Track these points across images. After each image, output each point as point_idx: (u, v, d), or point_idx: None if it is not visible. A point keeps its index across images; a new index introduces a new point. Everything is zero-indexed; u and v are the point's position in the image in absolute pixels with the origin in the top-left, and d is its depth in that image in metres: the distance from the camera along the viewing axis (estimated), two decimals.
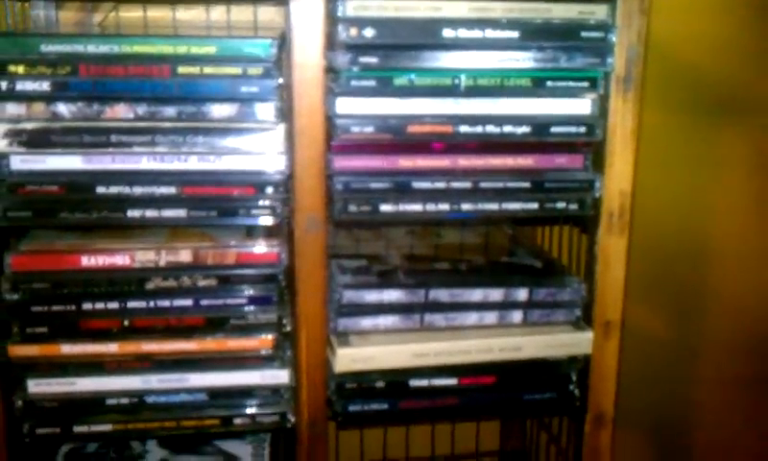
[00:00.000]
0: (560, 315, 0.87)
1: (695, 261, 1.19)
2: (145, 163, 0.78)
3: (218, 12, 1.01)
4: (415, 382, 0.85)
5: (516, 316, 0.86)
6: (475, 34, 0.77)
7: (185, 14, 1.02)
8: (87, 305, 0.80)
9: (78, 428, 0.82)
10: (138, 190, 0.78)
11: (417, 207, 0.81)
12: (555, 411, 0.97)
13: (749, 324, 1.24)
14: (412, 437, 1.19)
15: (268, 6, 1.01)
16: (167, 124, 0.77)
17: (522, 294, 0.86)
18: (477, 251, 0.99)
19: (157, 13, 1.01)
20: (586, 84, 0.81)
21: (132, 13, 1.01)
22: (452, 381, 0.86)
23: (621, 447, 0.95)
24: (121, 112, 0.77)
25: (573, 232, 0.94)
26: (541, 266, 0.93)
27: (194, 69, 0.76)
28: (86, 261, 0.80)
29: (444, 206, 0.82)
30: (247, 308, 0.83)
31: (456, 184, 0.81)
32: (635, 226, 0.85)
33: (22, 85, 0.75)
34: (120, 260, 0.80)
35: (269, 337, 0.83)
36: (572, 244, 0.94)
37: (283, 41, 0.79)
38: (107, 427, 0.83)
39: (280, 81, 0.77)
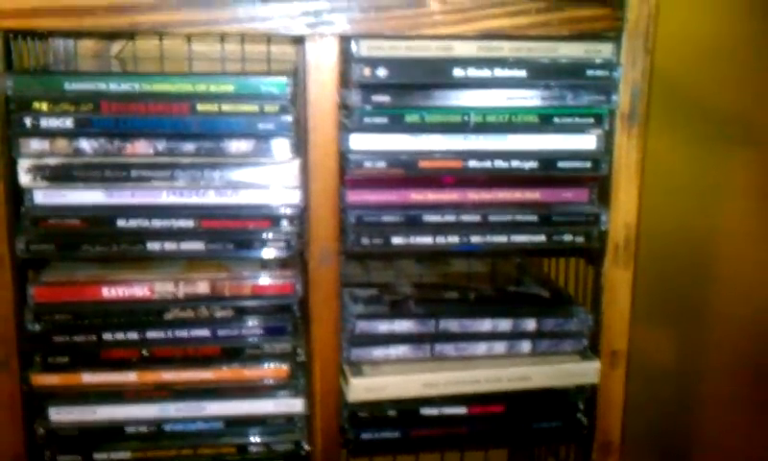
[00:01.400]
0: (567, 345, 0.89)
1: (700, 286, 1.20)
2: (164, 198, 0.81)
3: (232, 44, 1.04)
4: (426, 411, 0.87)
5: (525, 346, 0.88)
6: (484, 73, 0.80)
7: (200, 46, 1.05)
8: (108, 336, 0.82)
9: (98, 456, 0.84)
10: (158, 224, 0.81)
11: (427, 240, 0.84)
12: (563, 439, 0.98)
13: (754, 348, 1.25)
14: (421, 459, 1.20)
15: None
16: (186, 159, 0.80)
17: (531, 324, 0.88)
18: (485, 279, 1.01)
19: (173, 44, 1.04)
20: (591, 120, 0.83)
21: (148, 44, 1.04)
22: (462, 410, 0.88)
23: None
24: (141, 148, 0.79)
25: (579, 263, 0.96)
26: (549, 296, 0.95)
27: (212, 107, 0.79)
28: (107, 293, 0.82)
29: (454, 239, 0.84)
30: (262, 338, 0.85)
31: (465, 217, 0.83)
32: (640, 252, 0.87)
33: (46, 122, 0.78)
34: (139, 292, 0.82)
35: (283, 367, 0.85)
36: (578, 274, 0.96)
37: (296, 76, 0.82)
38: (126, 455, 0.85)
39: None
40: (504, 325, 0.88)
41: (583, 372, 0.88)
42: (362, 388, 0.84)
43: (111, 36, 1.02)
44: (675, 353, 1.22)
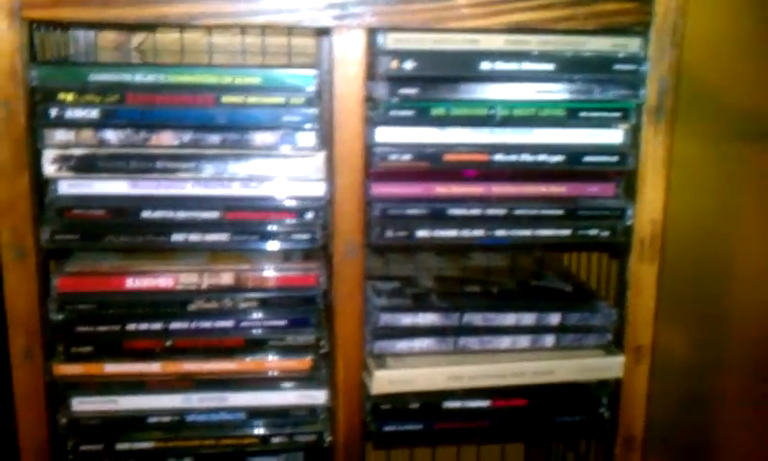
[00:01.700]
0: (591, 339, 0.89)
1: (723, 284, 1.20)
2: (189, 189, 0.80)
3: (251, 37, 1.04)
4: (448, 404, 0.87)
5: (549, 340, 0.88)
6: (511, 66, 0.79)
7: (220, 39, 1.05)
8: (131, 326, 0.82)
9: (120, 446, 0.84)
10: (182, 215, 0.80)
11: (452, 233, 0.83)
12: (585, 434, 0.98)
13: None
14: (437, 453, 1.20)
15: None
16: (211, 151, 0.80)
17: (555, 318, 0.88)
18: (504, 273, 1.01)
19: (192, 36, 1.04)
20: (618, 114, 0.83)
21: (167, 37, 1.04)
22: (485, 403, 0.88)
23: None
24: (166, 139, 0.79)
25: (601, 257, 0.96)
26: (571, 290, 0.94)
27: (238, 98, 0.79)
28: (131, 283, 0.82)
29: (479, 233, 0.83)
30: (285, 330, 0.84)
31: (491, 211, 0.83)
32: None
33: (71, 113, 0.78)
34: (164, 282, 0.82)
35: (306, 358, 0.85)
36: (601, 268, 0.96)
37: (318, 68, 0.81)
38: (148, 445, 0.85)
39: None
40: (528, 318, 0.87)
41: (607, 366, 0.87)
42: (386, 380, 0.83)
43: (132, 28, 1.01)
44: (697, 349, 1.21)
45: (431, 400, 0.87)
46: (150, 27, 1.00)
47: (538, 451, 1.22)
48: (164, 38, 1.04)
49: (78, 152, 0.79)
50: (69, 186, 0.80)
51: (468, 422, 0.88)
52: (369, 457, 1.17)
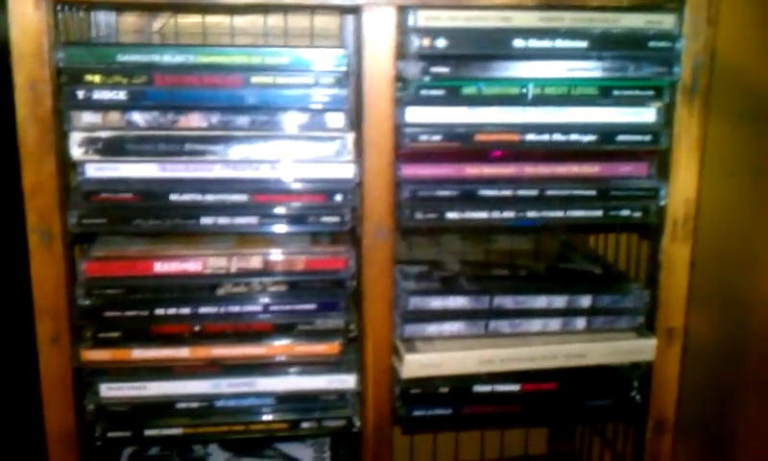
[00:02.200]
0: (623, 322, 0.88)
1: (754, 269, 1.17)
2: (218, 171, 0.79)
3: (272, 19, 1.03)
4: (478, 388, 0.86)
5: (580, 323, 0.87)
6: (544, 43, 0.78)
7: (242, 21, 1.03)
8: (159, 311, 0.82)
9: (148, 432, 0.84)
10: (211, 198, 0.79)
11: (482, 215, 0.82)
12: (616, 417, 0.97)
13: None
14: (461, 439, 1.19)
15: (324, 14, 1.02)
16: (240, 133, 0.79)
17: (586, 301, 0.87)
18: (530, 256, 1.00)
19: (215, 20, 1.03)
20: (651, 92, 0.81)
21: (190, 20, 1.02)
22: (515, 387, 0.87)
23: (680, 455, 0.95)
24: (195, 121, 0.78)
25: (631, 238, 0.95)
26: (601, 272, 0.93)
27: (267, 79, 0.78)
28: (159, 267, 0.81)
29: (510, 214, 0.82)
30: (314, 314, 0.84)
31: (522, 192, 0.82)
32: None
33: (98, 94, 0.77)
34: (192, 267, 0.81)
35: (336, 343, 0.84)
36: (630, 250, 0.95)
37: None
38: (176, 431, 0.84)
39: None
40: (559, 301, 0.86)
41: (639, 349, 0.86)
42: (416, 364, 0.83)
43: (155, 9, 1.00)
44: (727, 335, 1.19)
45: (461, 385, 0.86)
46: (172, 8, 0.99)
47: (562, 435, 1.21)
48: (185, 22, 1.03)
49: (105, 134, 0.78)
50: (96, 169, 0.79)
51: (498, 406, 0.87)
52: (394, 443, 1.16)
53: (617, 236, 0.98)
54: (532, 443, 1.23)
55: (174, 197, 0.79)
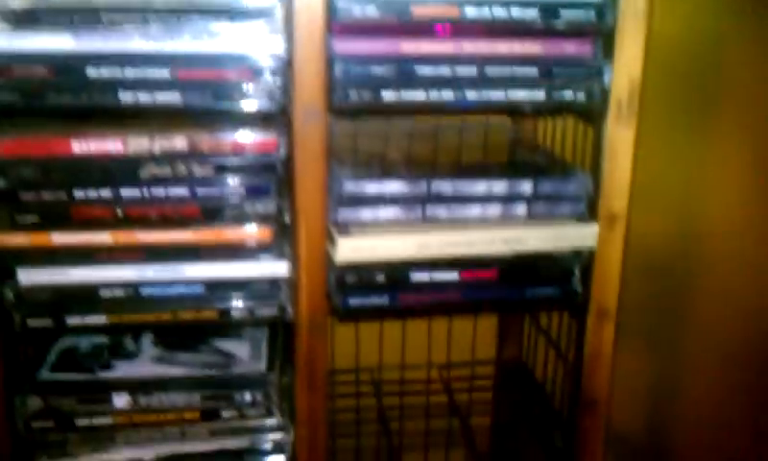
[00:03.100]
0: (565, 208, 0.85)
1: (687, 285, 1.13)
2: (137, 43, 0.75)
3: None
4: (416, 276, 0.83)
5: (520, 209, 0.84)
6: None
7: None
8: (79, 193, 0.78)
9: (71, 320, 0.80)
10: (131, 73, 0.75)
11: (420, 96, 0.78)
12: (557, 307, 0.96)
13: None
14: (407, 344, 1.18)
15: None
16: (161, 2, 0.74)
17: (527, 187, 0.84)
18: (477, 151, 0.97)
19: None
20: None
21: None
22: (454, 275, 0.84)
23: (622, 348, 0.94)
24: None
25: (577, 130, 0.92)
26: (545, 163, 0.91)
27: None
28: (77, 147, 0.77)
29: (449, 95, 0.79)
30: (244, 199, 0.80)
31: (461, 71, 0.78)
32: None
33: None
34: (112, 147, 0.77)
35: (267, 229, 0.81)
36: (576, 141, 0.92)
37: None
38: (100, 320, 0.81)
39: None
40: (499, 187, 0.84)
41: (580, 235, 0.84)
42: (350, 248, 0.79)
43: None
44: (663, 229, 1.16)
45: (398, 273, 0.83)
46: None
47: (510, 335, 1.20)
48: None
49: (17, 3, 0.73)
50: (8, 41, 0.74)
51: (437, 294, 0.85)
52: (337, 332, 1.15)
53: (563, 130, 0.95)
54: (480, 347, 1.22)
55: (91, 71, 0.74)
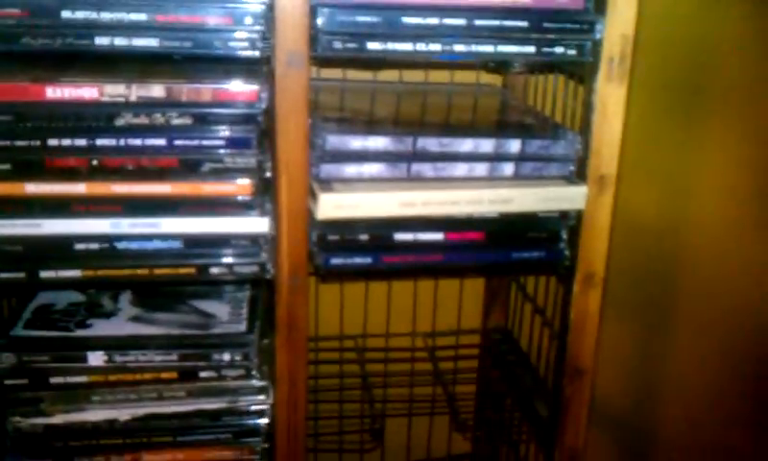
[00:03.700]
0: (553, 169, 0.83)
1: (673, 279, 1.11)
2: None
3: None
4: (400, 236, 0.81)
5: (508, 169, 0.82)
6: None
7: None
8: (53, 141, 0.75)
9: (44, 274, 0.78)
10: (107, 16, 0.72)
11: (406, 47, 0.76)
12: (544, 270, 0.94)
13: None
14: (393, 311, 1.16)
15: None
16: None
17: (515, 146, 0.82)
18: (466, 111, 0.95)
19: None
20: None
21: None
22: (439, 236, 0.82)
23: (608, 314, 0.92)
24: None
25: (568, 91, 0.90)
26: (534, 123, 0.88)
27: None
28: (51, 93, 0.74)
29: (436, 47, 0.76)
30: (224, 151, 0.78)
31: (449, 21, 0.76)
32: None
33: None
34: (87, 93, 0.74)
35: (247, 183, 0.78)
36: (567, 101, 0.90)
37: None
38: (75, 274, 0.78)
39: None
40: (486, 145, 0.81)
41: (568, 196, 0.82)
42: (332, 204, 0.77)
43: None
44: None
45: (381, 232, 0.81)
46: None
47: (495, 304, 1.18)
48: None
49: None
50: None
51: (421, 255, 0.83)
52: (321, 299, 1.13)
53: (554, 91, 0.93)
54: (465, 316, 1.20)
55: (66, 14, 0.72)
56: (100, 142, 0.76)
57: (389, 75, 1.03)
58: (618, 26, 0.77)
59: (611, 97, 0.79)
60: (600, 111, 0.80)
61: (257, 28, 0.74)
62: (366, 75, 1.02)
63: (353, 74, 1.02)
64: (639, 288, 1.14)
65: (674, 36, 1.01)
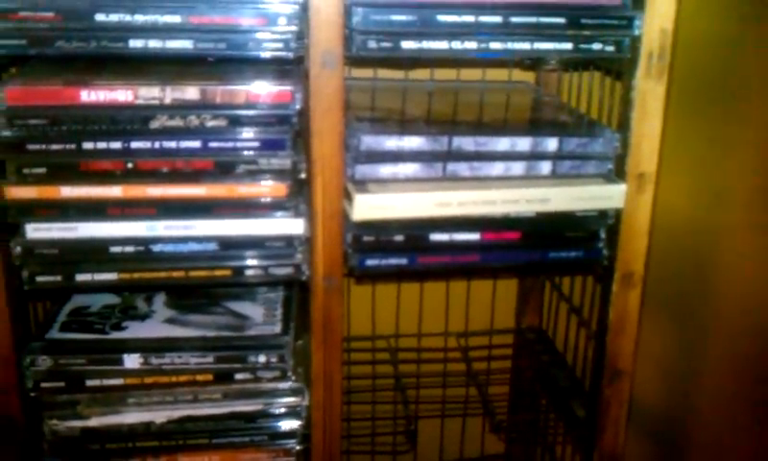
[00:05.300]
0: (591, 167, 0.82)
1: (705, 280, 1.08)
2: None
3: None
4: (435, 237, 0.81)
5: (545, 167, 0.81)
6: None
7: None
8: (88, 145, 0.75)
9: (80, 277, 0.78)
10: (140, 18, 0.72)
11: (442, 45, 0.75)
12: (582, 270, 0.92)
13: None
14: (426, 293, 1.15)
15: None
16: None
17: (552, 144, 0.81)
18: (500, 109, 0.94)
19: None
20: None
21: None
22: (475, 236, 0.81)
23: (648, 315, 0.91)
24: None
25: (605, 87, 0.88)
26: (570, 121, 0.87)
27: None
28: (86, 96, 0.74)
29: (472, 45, 0.75)
30: (258, 152, 0.77)
31: (485, 19, 0.75)
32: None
33: None
34: (122, 96, 0.74)
35: (282, 184, 0.78)
36: (603, 98, 0.89)
37: None
38: (111, 277, 0.78)
39: None
40: (523, 144, 0.80)
41: (606, 195, 0.81)
42: (367, 205, 0.77)
43: None
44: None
45: (416, 233, 0.80)
46: None
47: (529, 303, 1.17)
48: None
49: None
50: None
51: (457, 256, 0.82)
52: (353, 299, 1.12)
53: (590, 88, 0.92)
54: (498, 316, 1.19)
55: (99, 17, 0.72)
56: (135, 145, 0.76)
57: (419, 73, 1.02)
58: (657, 21, 0.76)
59: (650, 93, 0.78)
60: (639, 108, 0.78)
61: (291, 28, 0.74)
62: (396, 74, 1.01)
63: (383, 73, 1.01)
64: (673, 287, 1.12)
65: (710, 32, 0.99)
